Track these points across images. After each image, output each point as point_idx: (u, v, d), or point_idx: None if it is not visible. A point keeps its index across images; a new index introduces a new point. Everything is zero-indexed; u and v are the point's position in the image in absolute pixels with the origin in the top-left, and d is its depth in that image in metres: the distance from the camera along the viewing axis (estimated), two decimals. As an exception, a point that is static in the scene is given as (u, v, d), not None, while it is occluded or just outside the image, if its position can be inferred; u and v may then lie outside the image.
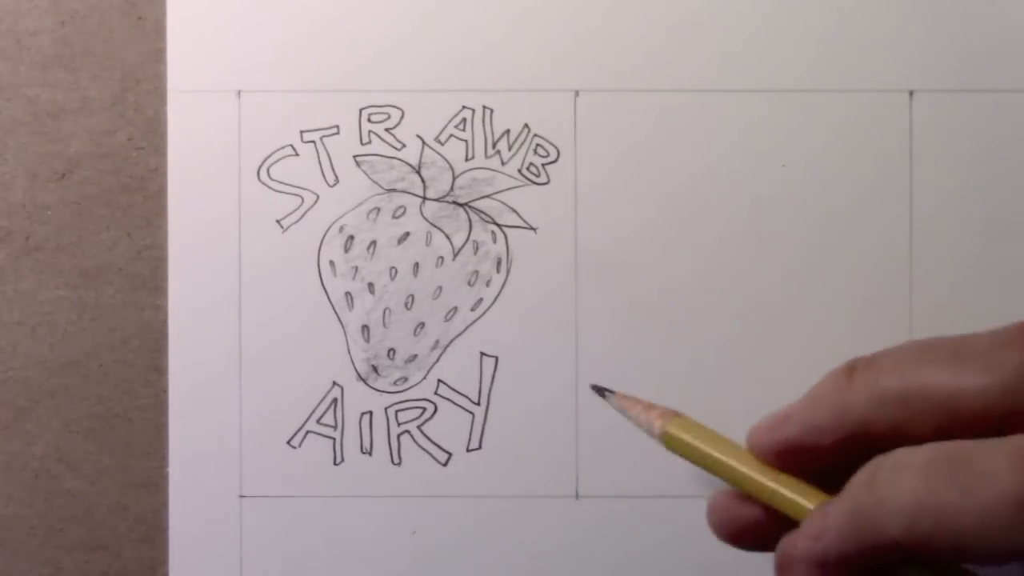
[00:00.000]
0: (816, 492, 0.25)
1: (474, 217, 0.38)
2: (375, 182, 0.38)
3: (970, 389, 0.21)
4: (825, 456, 0.25)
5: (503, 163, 0.38)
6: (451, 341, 0.38)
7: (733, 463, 0.27)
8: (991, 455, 0.20)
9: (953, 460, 0.21)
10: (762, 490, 0.26)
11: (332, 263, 0.38)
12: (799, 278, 0.38)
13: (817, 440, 0.24)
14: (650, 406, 0.30)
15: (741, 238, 0.38)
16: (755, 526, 0.26)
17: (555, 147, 0.38)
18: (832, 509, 0.23)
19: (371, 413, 0.38)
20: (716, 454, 0.27)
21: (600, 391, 0.32)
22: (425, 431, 0.38)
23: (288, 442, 0.38)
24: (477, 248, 0.38)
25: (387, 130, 0.38)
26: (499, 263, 0.38)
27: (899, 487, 0.21)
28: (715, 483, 0.35)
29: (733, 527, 0.26)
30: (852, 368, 0.23)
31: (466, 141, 0.38)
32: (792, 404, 0.25)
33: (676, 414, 0.29)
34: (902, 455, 0.22)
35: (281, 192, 0.38)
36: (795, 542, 0.24)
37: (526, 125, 0.38)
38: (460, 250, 0.38)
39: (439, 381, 0.38)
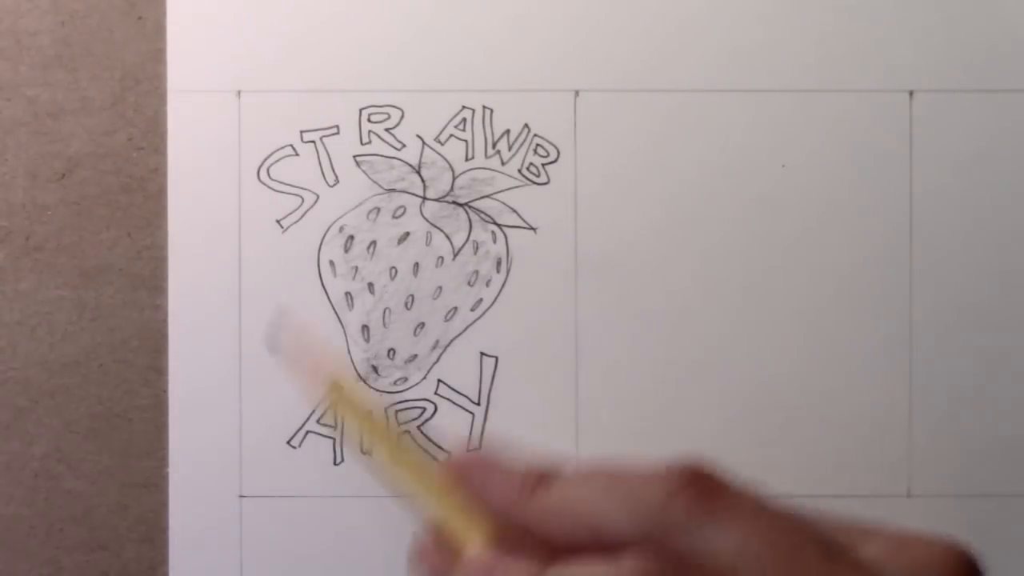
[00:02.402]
0: (471, 521, 0.26)
1: (474, 217, 0.38)
2: (375, 182, 0.38)
3: (612, 516, 0.24)
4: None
5: (503, 163, 0.38)
6: (451, 341, 0.38)
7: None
8: None
9: None
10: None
11: (332, 263, 0.38)
12: (798, 277, 0.38)
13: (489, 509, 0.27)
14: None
15: (741, 237, 0.38)
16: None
17: (555, 147, 0.38)
18: None
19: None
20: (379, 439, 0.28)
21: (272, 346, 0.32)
22: (425, 431, 0.38)
23: (288, 442, 0.38)
24: (477, 248, 0.38)
25: (387, 130, 0.38)
26: (499, 263, 0.38)
27: None
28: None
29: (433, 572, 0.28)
30: (541, 479, 0.26)
31: (466, 141, 0.38)
32: (504, 461, 0.27)
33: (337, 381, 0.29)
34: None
35: (281, 192, 0.38)
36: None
37: (526, 125, 0.38)
38: (460, 250, 0.38)
39: (439, 381, 0.38)
